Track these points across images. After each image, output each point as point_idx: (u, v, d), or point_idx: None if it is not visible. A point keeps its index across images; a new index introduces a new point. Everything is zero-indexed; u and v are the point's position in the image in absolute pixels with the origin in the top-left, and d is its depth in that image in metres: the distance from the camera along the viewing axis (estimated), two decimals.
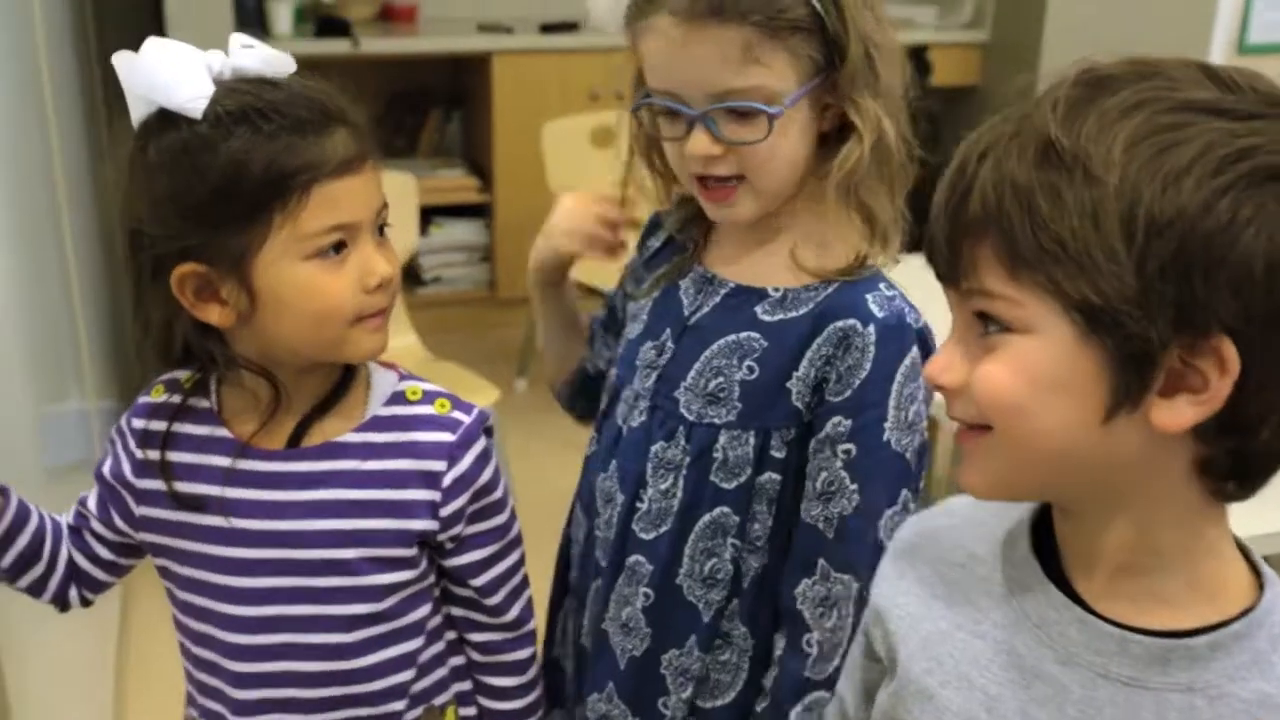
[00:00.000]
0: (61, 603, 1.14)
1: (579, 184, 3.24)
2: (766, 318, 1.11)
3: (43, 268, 2.82)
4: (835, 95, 1.07)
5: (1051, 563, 0.79)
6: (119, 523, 1.11)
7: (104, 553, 1.13)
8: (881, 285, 1.10)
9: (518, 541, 1.15)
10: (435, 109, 4.02)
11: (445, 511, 1.07)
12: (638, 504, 1.15)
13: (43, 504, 1.13)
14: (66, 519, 1.14)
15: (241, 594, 1.06)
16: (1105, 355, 0.68)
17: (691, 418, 1.13)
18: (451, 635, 1.16)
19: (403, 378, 1.10)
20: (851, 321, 1.07)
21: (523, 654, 1.18)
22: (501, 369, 3.37)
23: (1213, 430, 0.68)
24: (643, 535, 1.15)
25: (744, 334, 1.11)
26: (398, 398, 1.08)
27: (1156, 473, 0.71)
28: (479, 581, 1.12)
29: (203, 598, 1.08)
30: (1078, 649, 0.75)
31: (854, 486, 1.07)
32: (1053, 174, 0.67)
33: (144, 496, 1.08)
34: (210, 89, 0.94)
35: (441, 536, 1.08)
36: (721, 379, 1.11)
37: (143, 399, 1.10)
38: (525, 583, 1.17)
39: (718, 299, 1.14)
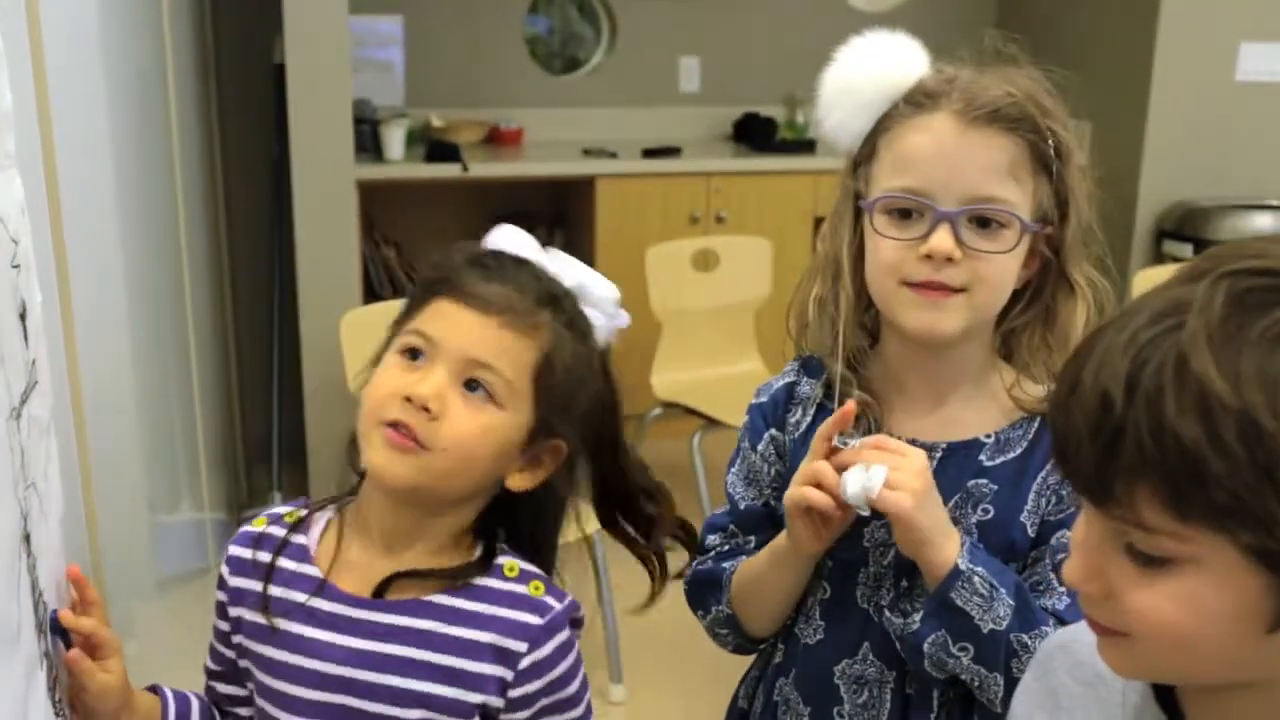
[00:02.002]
0: None
1: (680, 305, 3.32)
2: (990, 463, 1.14)
3: (166, 383, 2.93)
4: (1051, 250, 1.13)
5: (1168, 691, 0.79)
6: (226, 659, 1.12)
7: (246, 712, 1.13)
8: None
9: None
10: (538, 229, 4.11)
11: (515, 693, 1.04)
12: (907, 668, 1.16)
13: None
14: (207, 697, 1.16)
15: None
16: (1273, 575, 0.64)
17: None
18: None
19: (503, 552, 1.09)
20: None
21: None
22: None
23: None
24: (918, 700, 1.17)
25: (972, 482, 1.14)
26: (495, 570, 1.07)
27: None
28: None
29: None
30: None
31: (1062, 589, 1.12)
32: (1218, 426, 0.62)
33: (236, 624, 1.10)
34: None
35: (505, 718, 1.05)
36: (959, 527, 1.12)
37: (245, 528, 1.12)
38: None
39: (935, 462, 1.14)
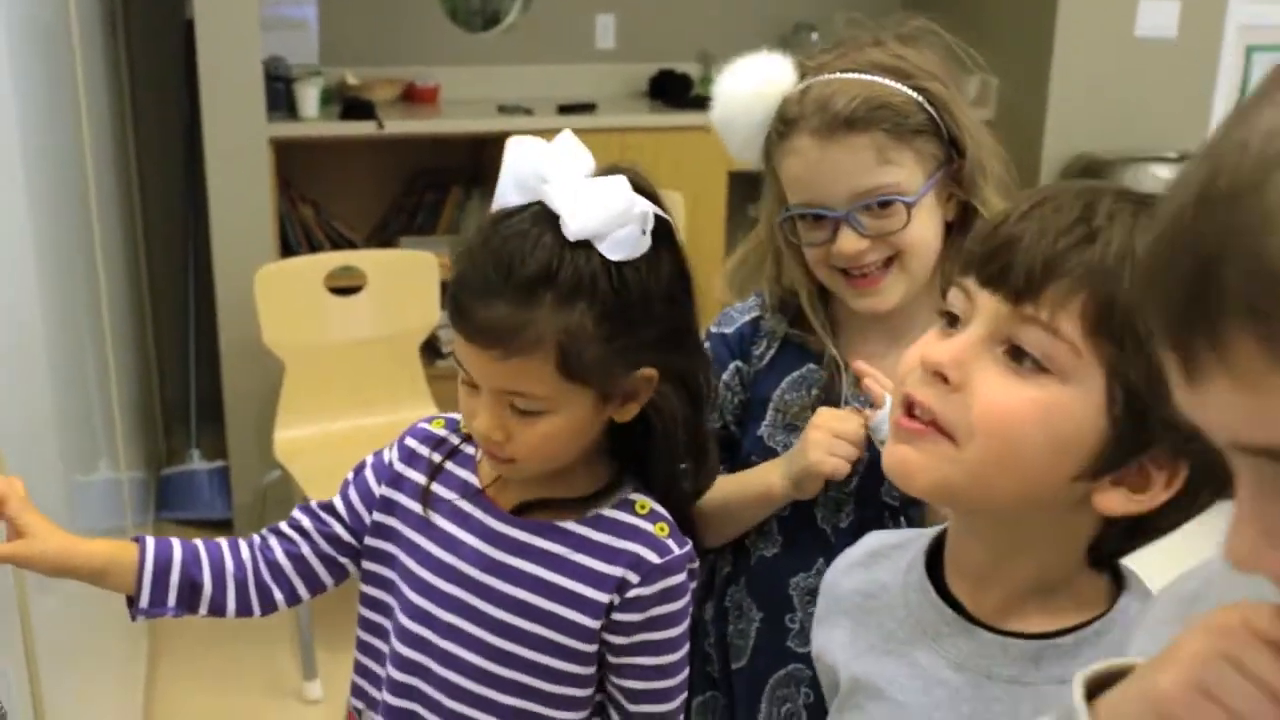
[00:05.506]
0: (261, 609, 1.19)
1: None
2: None
3: (80, 342, 2.92)
4: (959, 186, 1.21)
5: (941, 584, 0.89)
6: (357, 517, 1.19)
7: (333, 551, 1.20)
8: None
9: (679, 689, 1.16)
10: (456, 187, 4.14)
11: (616, 616, 1.11)
12: None
13: None
14: (285, 525, 1.21)
15: (423, 615, 1.14)
16: (1113, 426, 0.74)
17: (896, 504, 1.24)
18: None
19: (637, 490, 1.15)
20: None
21: None
22: None
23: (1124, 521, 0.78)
24: None
25: None
26: (625, 505, 1.14)
27: (1071, 530, 0.81)
28: (630, 709, 1.16)
29: (390, 596, 1.18)
30: (966, 656, 0.85)
31: None
32: None
33: (385, 505, 1.18)
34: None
35: (605, 635, 1.12)
36: None
37: (422, 424, 1.22)
38: None
39: None
